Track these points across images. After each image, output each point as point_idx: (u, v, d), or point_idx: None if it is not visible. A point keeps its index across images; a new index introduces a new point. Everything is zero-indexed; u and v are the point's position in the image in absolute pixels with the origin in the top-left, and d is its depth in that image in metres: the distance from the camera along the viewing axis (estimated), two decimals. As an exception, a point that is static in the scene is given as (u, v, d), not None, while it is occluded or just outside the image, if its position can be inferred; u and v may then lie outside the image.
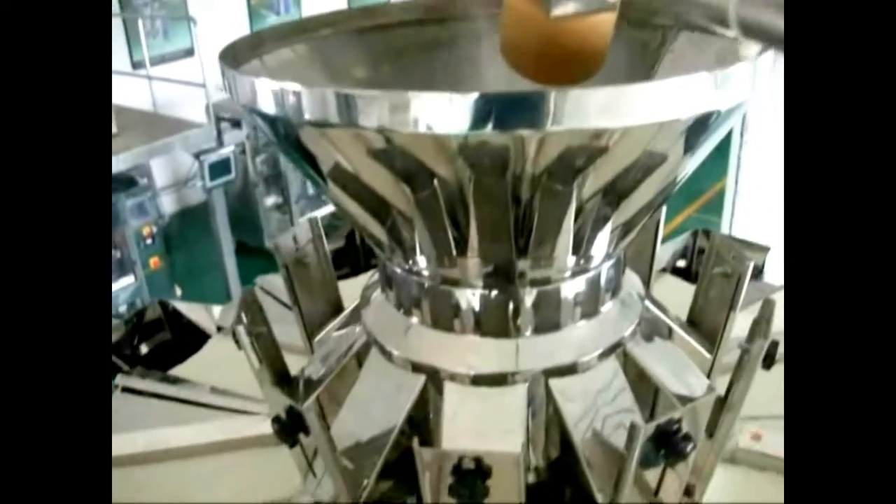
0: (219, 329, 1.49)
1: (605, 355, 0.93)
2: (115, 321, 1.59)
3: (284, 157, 0.92)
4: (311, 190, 5.44)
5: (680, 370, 0.98)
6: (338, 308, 1.17)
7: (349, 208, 0.90)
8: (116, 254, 4.67)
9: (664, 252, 1.67)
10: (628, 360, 0.97)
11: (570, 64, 0.79)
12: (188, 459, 1.18)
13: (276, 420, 0.90)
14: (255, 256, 5.27)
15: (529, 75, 0.82)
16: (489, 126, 0.66)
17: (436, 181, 0.77)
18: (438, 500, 0.82)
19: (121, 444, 1.20)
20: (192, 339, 1.50)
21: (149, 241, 4.70)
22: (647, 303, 1.04)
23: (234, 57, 0.88)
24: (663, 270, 1.67)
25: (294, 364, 1.03)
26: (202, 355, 1.44)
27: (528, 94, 0.67)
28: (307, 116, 0.72)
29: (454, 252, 0.86)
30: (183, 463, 1.18)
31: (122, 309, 4.60)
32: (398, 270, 0.93)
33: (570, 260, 0.89)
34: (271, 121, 0.80)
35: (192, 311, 1.54)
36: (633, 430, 0.80)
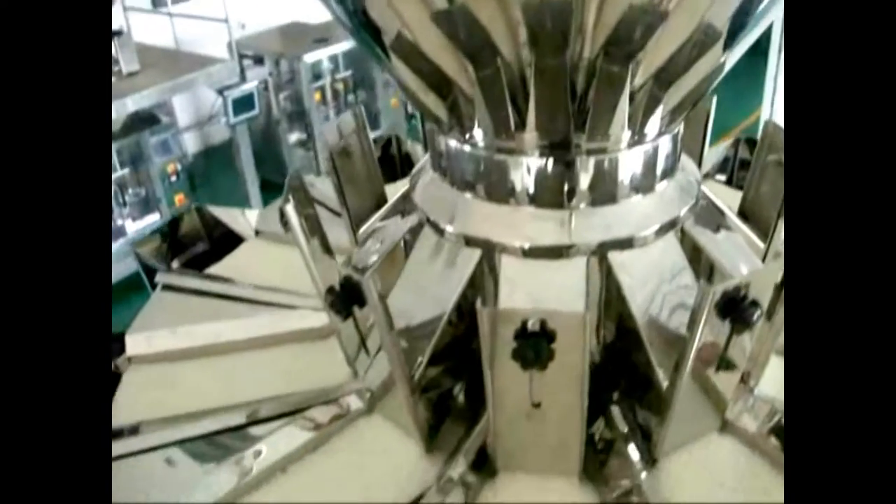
0: (257, 233, 1.46)
1: (662, 231, 0.91)
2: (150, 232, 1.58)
3: (352, 37, 0.89)
4: (334, 126, 5.36)
5: (736, 252, 0.95)
6: (382, 201, 1.15)
7: (411, 85, 0.88)
8: (141, 191, 4.66)
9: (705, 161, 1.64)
10: (685, 239, 0.94)
11: None
12: (231, 354, 1.17)
13: (329, 291, 0.88)
14: (279, 193, 5.20)
15: None
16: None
17: (498, 59, 0.75)
18: (495, 365, 0.80)
19: (162, 341, 1.19)
20: (230, 247, 1.47)
21: (173, 178, 4.68)
22: (704, 189, 1.01)
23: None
24: (706, 177, 1.63)
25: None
26: (237, 256, 1.42)
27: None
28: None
29: (512, 127, 0.84)
30: (225, 358, 1.17)
31: (148, 247, 4.60)
32: (454, 146, 0.90)
33: (626, 135, 0.86)
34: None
35: (229, 216, 1.52)
36: (702, 292, 0.78)
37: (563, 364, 0.77)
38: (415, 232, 0.99)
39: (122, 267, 4.12)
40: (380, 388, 0.98)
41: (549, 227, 0.87)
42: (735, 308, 0.80)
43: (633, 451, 0.92)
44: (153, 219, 4.71)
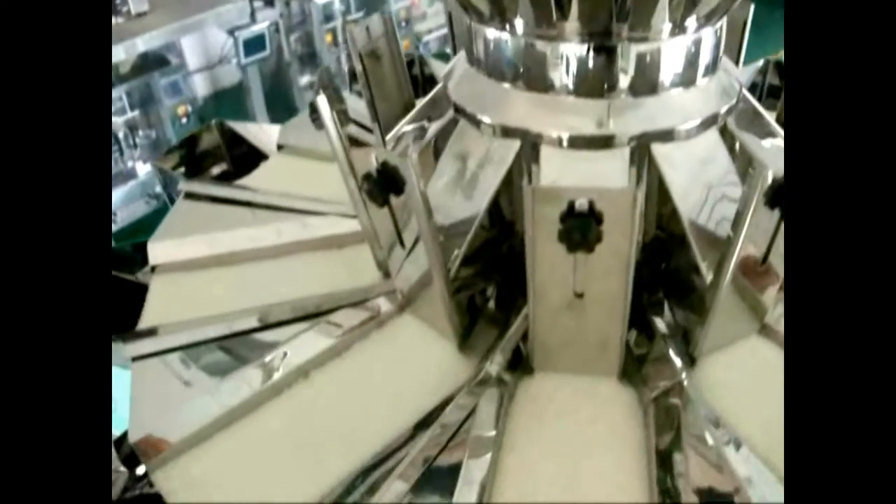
0: (279, 148, 1.44)
1: (704, 126, 0.88)
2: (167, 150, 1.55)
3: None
4: (345, 67, 5.33)
5: (779, 152, 0.93)
6: (411, 108, 1.12)
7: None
8: (151, 133, 4.64)
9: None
10: (727, 137, 0.92)
11: None
12: (257, 262, 1.15)
13: (366, 178, 0.85)
14: (289, 138, 5.20)
15: None
16: None
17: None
18: (538, 249, 0.78)
19: (185, 249, 1.18)
20: (252, 166, 1.45)
21: (184, 120, 4.65)
22: (745, 92, 0.99)
23: None
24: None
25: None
26: (261, 171, 1.39)
27: None
28: None
29: (553, 18, 0.81)
30: (251, 265, 1.15)
31: (159, 189, 4.58)
32: (493, 35, 0.88)
33: (667, 26, 0.83)
34: None
35: (249, 131, 1.49)
36: (754, 175, 0.75)
37: (610, 247, 0.75)
38: (447, 131, 0.96)
39: (133, 209, 4.11)
40: (413, 287, 0.96)
41: (589, 117, 0.84)
42: (785, 196, 0.77)
43: (672, 354, 0.90)
44: (164, 161, 4.68)
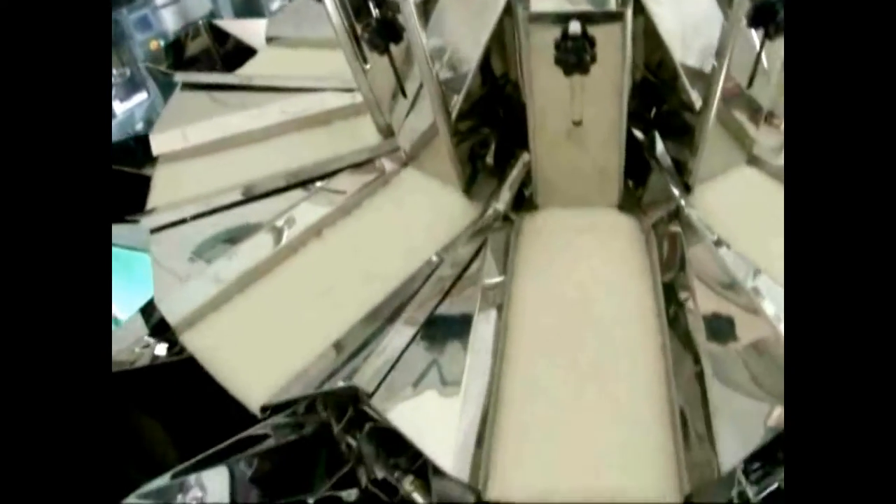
0: (269, 40, 1.45)
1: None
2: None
3: None
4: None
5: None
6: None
7: None
8: (126, 71, 4.59)
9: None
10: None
11: None
12: (260, 143, 1.18)
13: (366, 27, 0.88)
14: (265, 67, 5.15)
15: None
16: None
17: None
18: (535, 78, 0.81)
19: (188, 137, 1.20)
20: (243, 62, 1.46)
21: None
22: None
23: None
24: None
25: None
26: (253, 62, 1.41)
27: None
28: None
29: None
30: (254, 146, 1.18)
31: (140, 127, 4.56)
32: None
33: None
34: None
35: (236, 27, 1.51)
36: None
37: (605, 72, 0.79)
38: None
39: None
40: (416, 143, 1.00)
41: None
42: (770, 15, 0.80)
43: (669, 183, 0.94)
44: (141, 97, 4.65)
